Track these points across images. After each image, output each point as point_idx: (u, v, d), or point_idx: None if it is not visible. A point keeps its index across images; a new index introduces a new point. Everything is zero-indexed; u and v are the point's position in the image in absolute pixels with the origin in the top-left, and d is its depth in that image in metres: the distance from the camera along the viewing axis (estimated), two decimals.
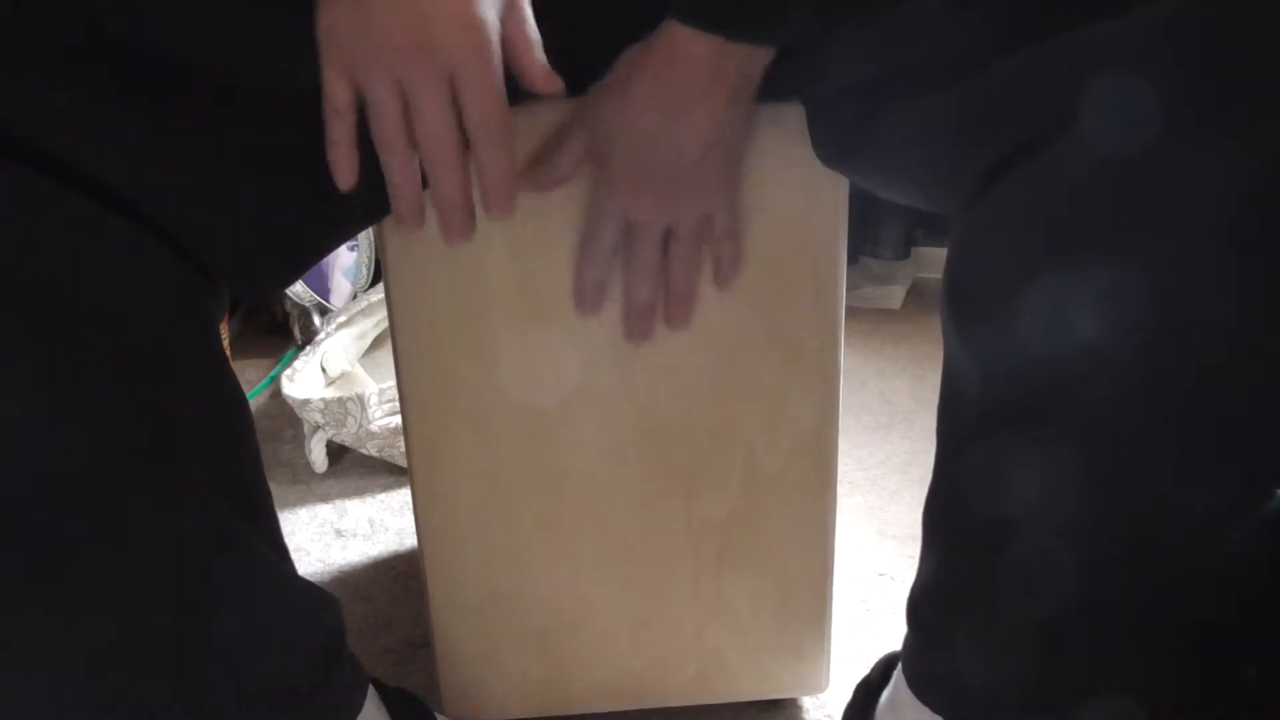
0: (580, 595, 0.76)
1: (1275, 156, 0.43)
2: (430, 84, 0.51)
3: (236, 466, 0.58)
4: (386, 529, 1.11)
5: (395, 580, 1.03)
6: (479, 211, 0.56)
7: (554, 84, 0.54)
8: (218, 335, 0.58)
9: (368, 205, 0.63)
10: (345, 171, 0.54)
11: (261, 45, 0.54)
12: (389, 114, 0.52)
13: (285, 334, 1.52)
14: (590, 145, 0.61)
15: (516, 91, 0.54)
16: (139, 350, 0.50)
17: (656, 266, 0.64)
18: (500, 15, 0.52)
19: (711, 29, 0.53)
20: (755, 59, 0.56)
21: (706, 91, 0.56)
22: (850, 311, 0.69)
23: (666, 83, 0.56)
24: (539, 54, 0.53)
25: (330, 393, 1.21)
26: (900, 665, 0.69)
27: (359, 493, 1.18)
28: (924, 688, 0.66)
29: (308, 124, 0.54)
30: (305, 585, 0.64)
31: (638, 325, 0.66)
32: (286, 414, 1.31)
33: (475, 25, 0.50)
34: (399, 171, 0.54)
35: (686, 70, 0.55)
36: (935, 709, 0.65)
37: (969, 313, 0.57)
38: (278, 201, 0.57)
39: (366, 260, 1.56)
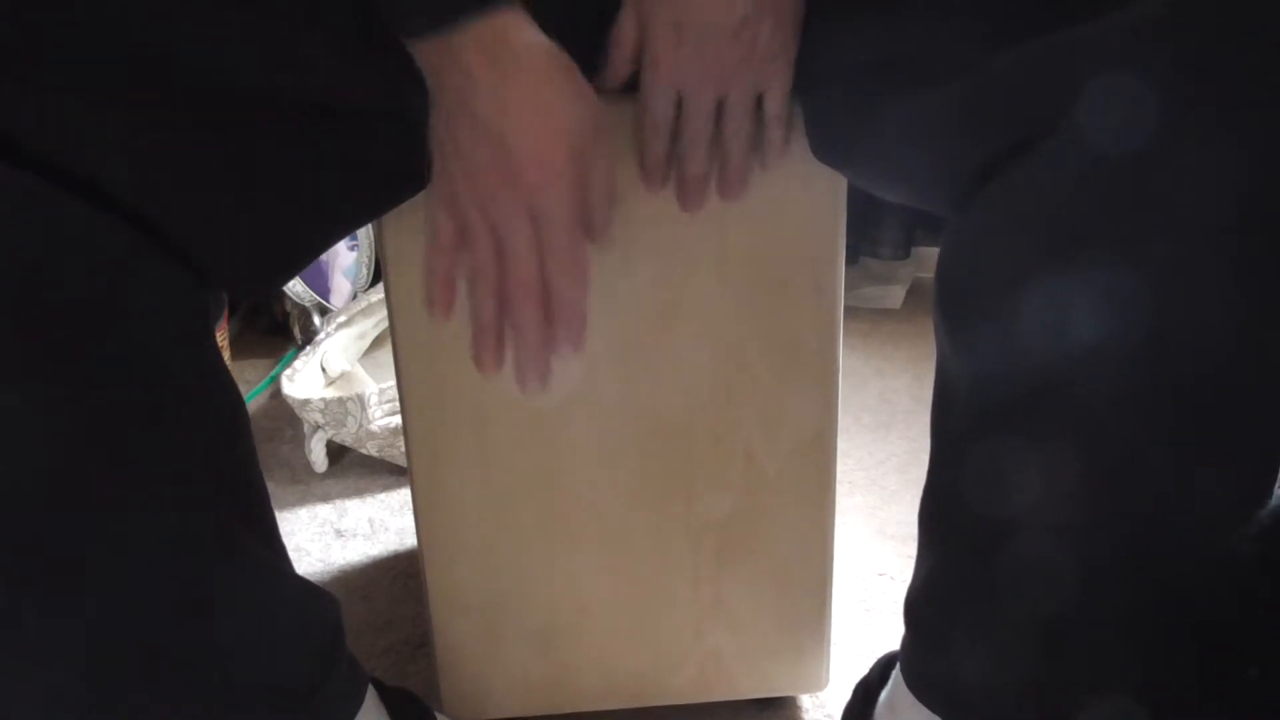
0: (580, 595, 0.76)
1: (1273, 155, 0.43)
2: (512, 220, 0.55)
3: (233, 467, 0.58)
4: (386, 529, 1.11)
5: (395, 580, 1.03)
6: None
7: (606, 238, 0.58)
8: (214, 336, 0.58)
9: (364, 204, 0.63)
10: (444, 307, 0.59)
11: (257, 48, 0.54)
12: (480, 249, 0.56)
13: (285, 334, 1.52)
14: (636, 24, 0.59)
15: None
16: (135, 351, 0.50)
17: (708, 138, 0.62)
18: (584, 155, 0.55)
19: None
20: None
21: None
22: (850, 311, 0.69)
23: None
24: (608, 212, 0.58)
25: (330, 393, 1.21)
26: (899, 665, 0.69)
27: (359, 493, 1.18)
28: (922, 688, 0.66)
29: (303, 124, 0.54)
30: (304, 585, 0.64)
31: (691, 196, 0.65)
32: (286, 414, 1.31)
33: (555, 166, 0.54)
34: (484, 306, 0.58)
35: None
36: (933, 709, 0.65)
37: (962, 312, 0.56)
38: (272, 201, 0.57)
39: (366, 260, 1.56)
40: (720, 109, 0.61)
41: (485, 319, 0.58)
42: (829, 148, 0.63)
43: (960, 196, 0.55)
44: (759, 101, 0.61)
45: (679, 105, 0.60)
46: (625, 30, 0.60)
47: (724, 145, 0.62)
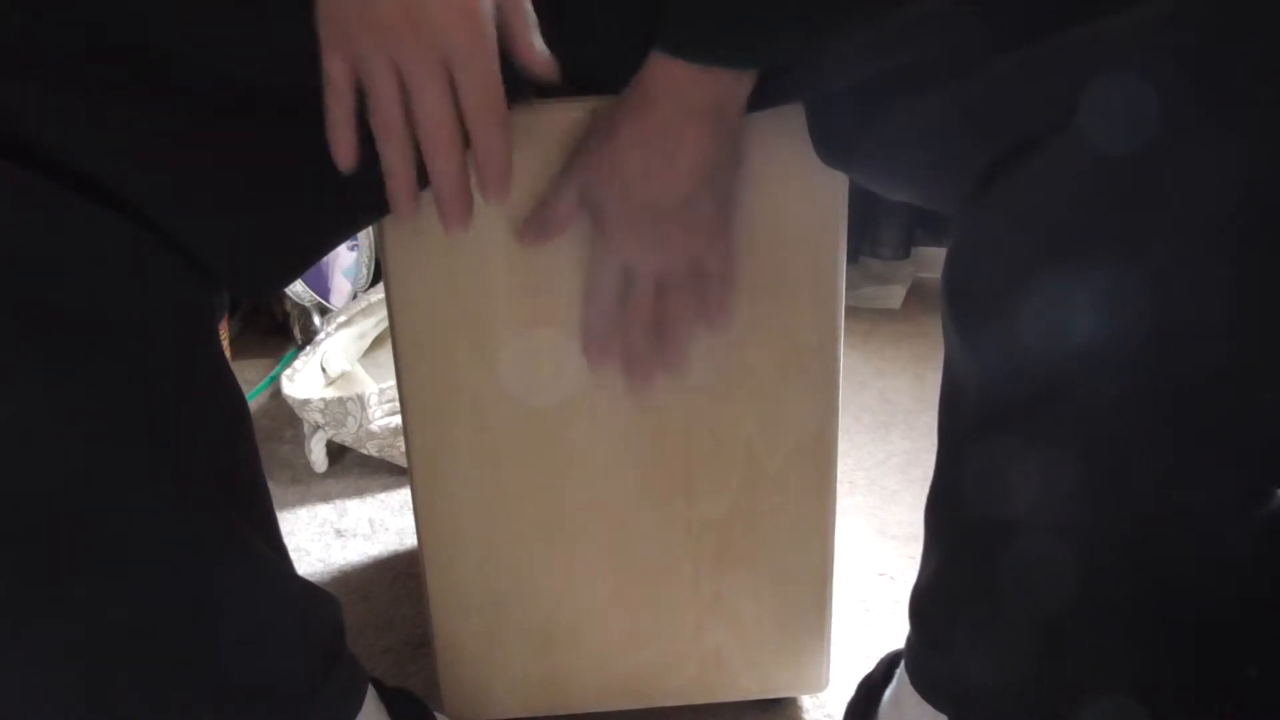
0: (580, 595, 0.76)
1: (1275, 155, 0.43)
2: (426, 67, 0.50)
3: (236, 466, 0.58)
4: (386, 529, 1.11)
5: (395, 580, 1.03)
6: (479, 206, 0.56)
7: (549, 69, 0.54)
8: (217, 335, 0.58)
9: (366, 204, 0.63)
10: (345, 151, 0.53)
11: (260, 46, 0.54)
12: (387, 97, 0.51)
13: (285, 334, 1.52)
14: (582, 191, 0.62)
15: (518, 90, 0.54)
16: (138, 351, 0.50)
17: (650, 310, 0.64)
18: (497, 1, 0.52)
19: (701, 59, 0.54)
20: (738, 91, 0.56)
21: (687, 125, 0.56)
22: (850, 311, 0.70)
23: (648, 119, 0.56)
24: (536, 38, 0.53)
25: (330, 393, 1.21)
26: (903, 663, 0.69)
27: (359, 493, 1.18)
28: (927, 686, 0.66)
29: (306, 124, 0.54)
30: (304, 585, 0.64)
31: (637, 374, 0.67)
32: (286, 414, 1.31)
33: (470, 8, 0.50)
34: (396, 156, 0.53)
35: (666, 105, 0.56)
36: (938, 707, 0.65)
37: (969, 312, 0.57)
38: (276, 201, 0.57)
39: (366, 260, 1.56)
40: (660, 287, 0.63)
41: (397, 167, 0.54)
42: (832, 149, 0.63)
43: (965, 197, 0.55)
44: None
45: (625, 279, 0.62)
46: (564, 199, 0.62)
47: (666, 320, 0.64)
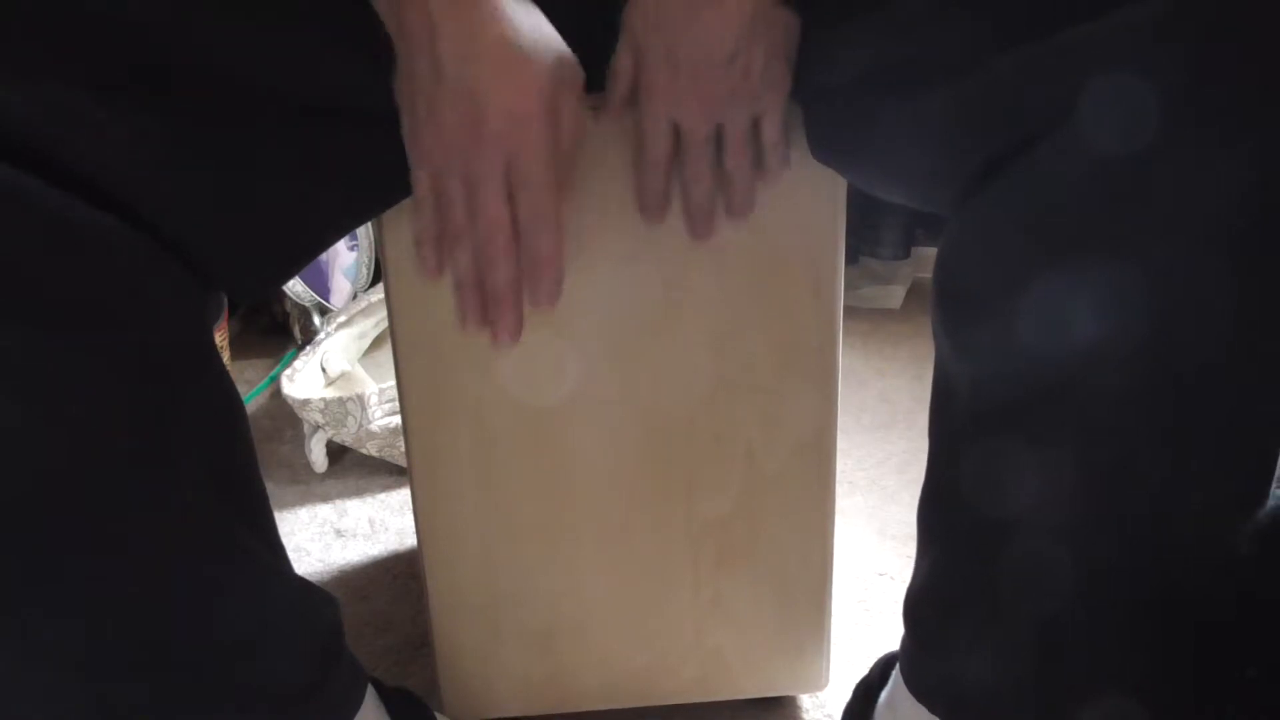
0: (580, 595, 0.76)
1: (1273, 155, 0.43)
2: (485, 177, 0.54)
3: (232, 466, 0.58)
4: (386, 529, 1.11)
5: (395, 580, 1.03)
6: None
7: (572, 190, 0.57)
8: (213, 337, 0.58)
9: (362, 203, 0.63)
10: (432, 267, 0.58)
11: (256, 47, 0.54)
12: (454, 206, 0.55)
13: (285, 334, 1.52)
14: (633, 57, 0.59)
15: None
16: (134, 351, 0.50)
17: (709, 169, 0.62)
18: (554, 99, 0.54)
19: None
20: None
21: None
22: (850, 311, 0.70)
23: None
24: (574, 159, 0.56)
25: (330, 393, 1.21)
26: (898, 665, 0.69)
27: (359, 493, 1.18)
28: (922, 688, 0.66)
29: (302, 121, 0.54)
30: (303, 585, 0.64)
31: (699, 226, 0.65)
32: (286, 414, 1.31)
33: (525, 116, 0.53)
34: (464, 265, 0.57)
35: None
36: (933, 709, 0.65)
37: (961, 313, 0.56)
38: (272, 200, 0.57)
39: (366, 260, 1.56)
40: (719, 139, 0.61)
41: (463, 276, 0.57)
42: (828, 149, 0.63)
43: (961, 197, 0.55)
44: (755, 129, 0.61)
45: (676, 138, 0.60)
46: (622, 63, 0.59)
47: (726, 173, 0.62)
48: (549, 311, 0.58)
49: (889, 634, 0.94)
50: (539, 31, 0.54)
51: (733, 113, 0.59)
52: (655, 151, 0.61)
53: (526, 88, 0.53)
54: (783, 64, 0.59)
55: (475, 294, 0.57)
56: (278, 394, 1.37)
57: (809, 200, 0.66)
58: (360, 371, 1.29)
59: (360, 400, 1.13)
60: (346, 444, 1.18)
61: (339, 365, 1.27)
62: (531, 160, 0.54)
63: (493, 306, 0.57)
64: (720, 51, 0.56)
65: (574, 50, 0.55)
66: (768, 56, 0.58)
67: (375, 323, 1.34)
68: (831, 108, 0.61)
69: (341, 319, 1.32)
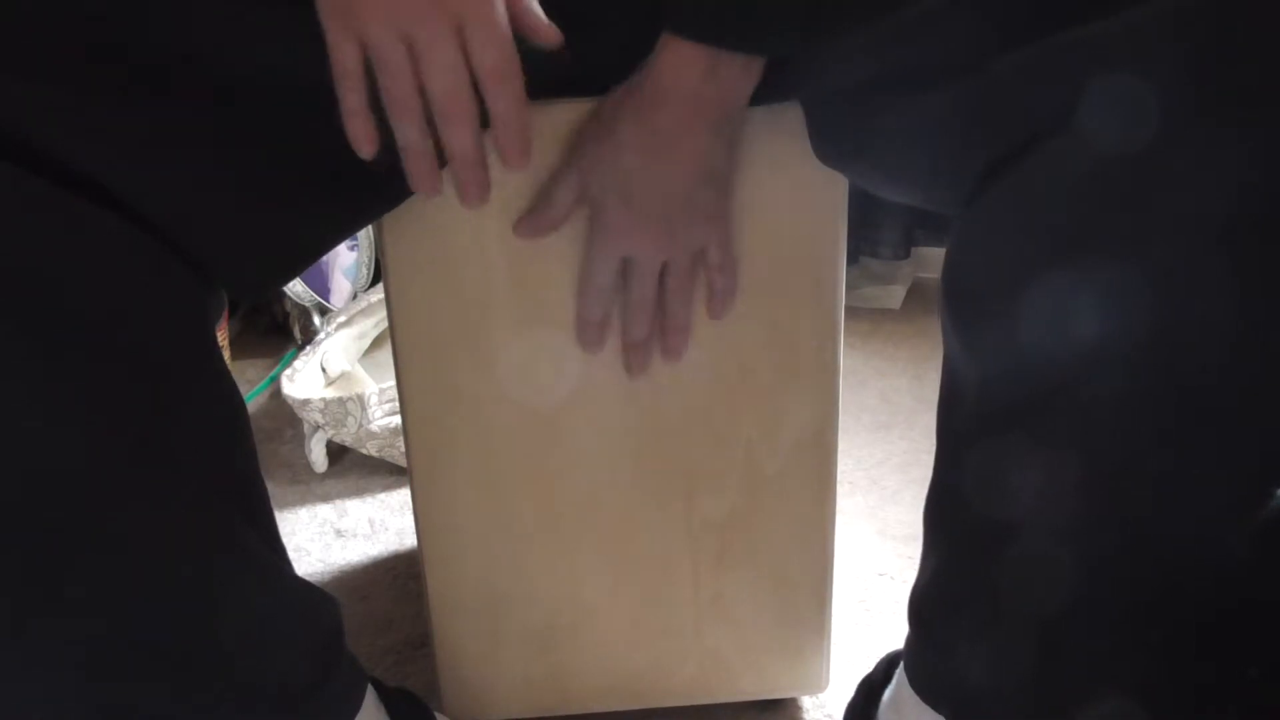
0: (580, 595, 0.76)
1: (1274, 155, 0.43)
2: (439, 33, 0.49)
3: (233, 466, 0.58)
4: (386, 529, 1.11)
5: (395, 580, 1.03)
6: (480, 211, 0.56)
7: (553, 36, 0.52)
8: (215, 336, 0.58)
9: (364, 203, 0.63)
10: (365, 138, 0.52)
11: (258, 43, 0.54)
12: (399, 69, 0.50)
13: (285, 334, 1.52)
14: (581, 189, 0.62)
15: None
16: (135, 350, 0.50)
17: (653, 303, 0.65)
18: None
19: (709, 38, 0.54)
20: (745, 88, 0.57)
21: (691, 130, 0.57)
22: (850, 311, 0.70)
23: (651, 121, 0.57)
24: (535, 5, 0.52)
25: (330, 393, 1.21)
26: (902, 664, 0.69)
27: (359, 493, 1.18)
28: (926, 687, 0.66)
29: (304, 122, 0.54)
30: (303, 585, 0.64)
31: (635, 359, 0.68)
32: (286, 414, 1.31)
33: None
34: (413, 132, 0.52)
35: (671, 110, 0.56)
36: (937, 708, 0.65)
37: (968, 312, 0.57)
38: (274, 200, 0.57)
39: (366, 260, 1.56)
40: (663, 272, 0.63)
41: (413, 141, 0.53)
42: (832, 150, 0.63)
43: (965, 197, 0.55)
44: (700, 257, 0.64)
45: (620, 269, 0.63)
46: (563, 196, 0.62)
47: (667, 306, 0.65)
48: (521, 169, 0.54)
49: (889, 634, 0.94)
50: None
51: (681, 245, 0.62)
52: (603, 279, 0.64)
53: None
54: (727, 199, 0.62)
55: (429, 159, 0.53)
56: (278, 394, 1.37)
57: (810, 201, 0.66)
58: (360, 371, 1.29)
59: (360, 400, 1.13)
60: (346, 444, 1.18)
61: (339, 365, 1.27)
62: (489, 16, 0.50)
63: (461, 168, 0.53)
64: (678, 191, 0.59)
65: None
66: (716, 192, 0.61)
67: (375, 323, 1.34)
68: (835, 109, 0.61)
69: (341, 319, 1.32)
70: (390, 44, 0.50)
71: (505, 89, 0.51)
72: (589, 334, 0.67)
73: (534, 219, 0.64)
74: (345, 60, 0.51)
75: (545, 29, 0.53)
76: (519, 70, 0.52)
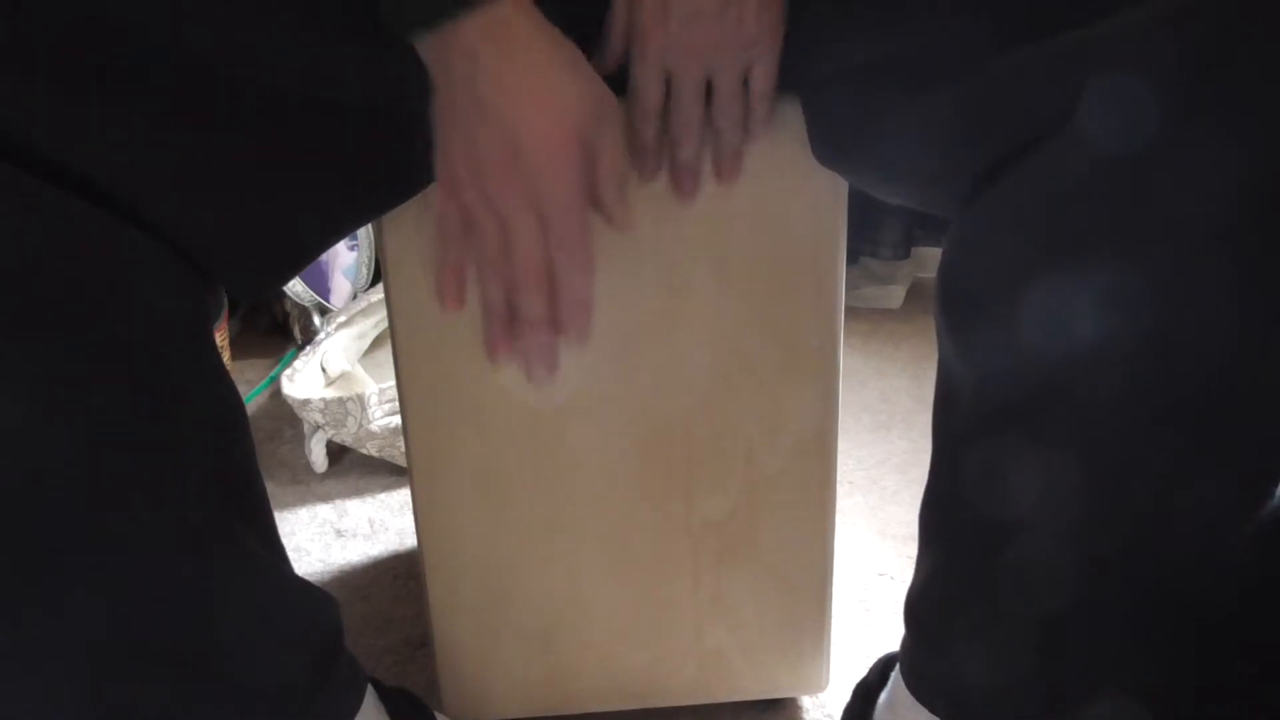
0: (580, 595, 0.76)
1: (1275, 156, 0.43)
2: (518, 210, 0.54)
3: (232, 466, 0.58)
4: (386, 529, 1.11)
5: (395, 580, 1.03)
6: None
7: (626, 223, 0.58)
8: (213, 336, 0.58)
9: (363, 203, 0.63)
10: (450, 295, 0.59)
11: (258, 44, 0.54)
12: (487, 236, 0.56)
13: (285, 334, 1.52)
14: (627, 7, 0.59)
15: None
16: (134, 350, 0.50)
17: (699, 121, 0.62)
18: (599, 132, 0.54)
19: None
20: None
21: None
22: (850, 311, 0.70)
23: None
24: (620, 201, 0.57)
25: (330, 393, 1.21)
26: (898, 666, 0.69)
27: (359, 493, 1.18)
28: (922, 689, 0.66)
29: (304, 121, 0.54)
30: (303, 585, 0.64)
31: (686, 183, 0.64)
32: (286, 414, 1.31)
33: (558, 149, 0.53)
34: (494, 291, 0.58)
35: None
36: (933, 710, 0.65)
37: (965, 314, 0.56)
38: (273, 200, 0.57)
39: (366, 260, 1.56)
40: (708, 91, 0.61)
41: (494, 306, 0.58)
42: (831, 151, 0.63)
43: (964, 198, 0.55)
44: (746, 82, 0.61)
45: (668, 90, 0.60)
46: (618, 11, 0.59)
47: (715, 127, 0.62)
48: (583, 352, 0.59)
49: (889, 634, 0.94)
50: (577, 65, 0.54)
51: (724, 62, 0.59)
52: (647, 101, 0.61)
53: (561, 118, 0.53)
54: (775, 15, 0.59)
55: (505, 322, 0.59)
56: (278, 394, 1.37)
57: (810, 201, 0.66)
58: (360, 371, 1.29)
59: (360, 400, 1.13)
60: (346, 444, 1.18)
61: (339, 365, 1.27)
62: (562, 189, 0.54)
63: (530, 336, 0.58)
64: (712, 4, 0.57)
65: (576, 22, 0.55)
66: (759, 6, 0.58)
67: (375, 323, 1.34)
68: (834, 109, 0.61)
69: (341, 319, 1.32)
70: (482, 213, 0.55)
71: (569, 262, 0.56)
72: (645, 161, 0.64)
73: (603, 52, 0.61)
74: (447, 223, 0.57)
75: (620, 221, 0.58)
76: (584, 249, 0.56)
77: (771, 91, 0.62)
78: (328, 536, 1.10)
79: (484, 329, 0.59)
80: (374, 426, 1.14)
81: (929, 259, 1.64)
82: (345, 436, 1.16)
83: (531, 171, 0.53)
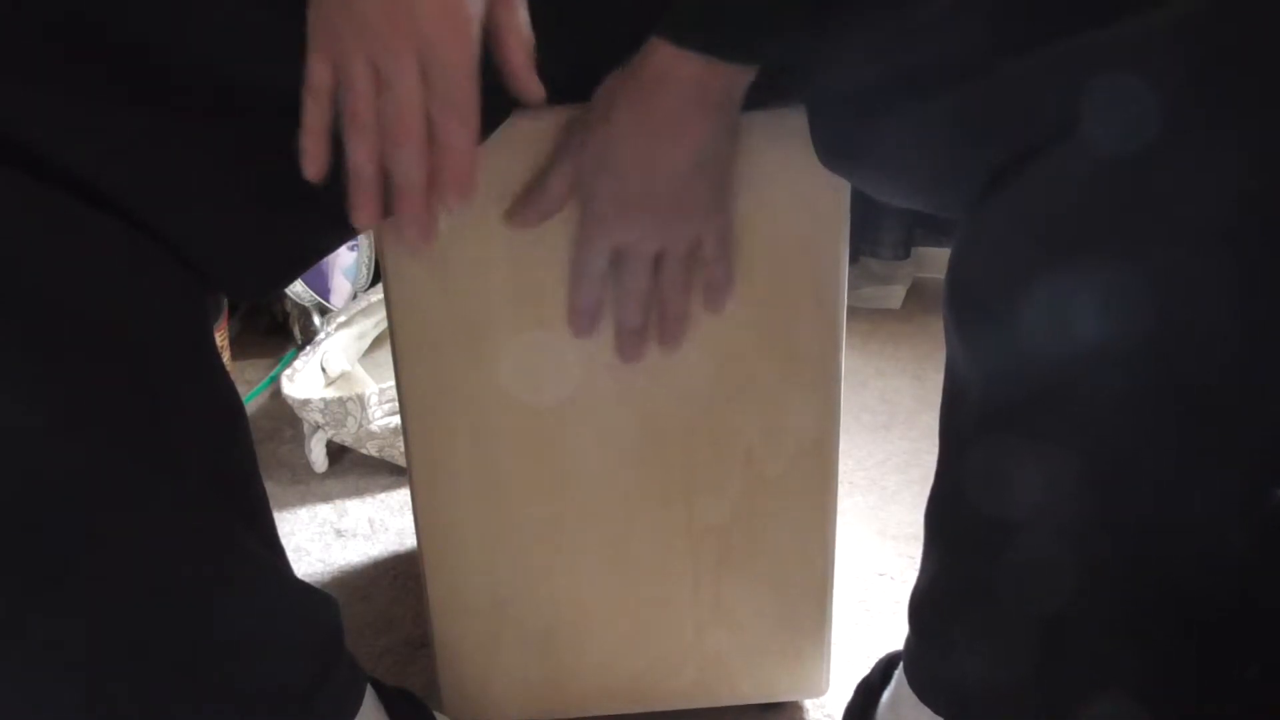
0: (580, 597, 0.76)
1: (1275, 159, 0.43)
2: (400, 60, 0.50)
3: (232, 468, 0.58)
4: (386, 529, 1.11)
5: (395, 580, 1.03)
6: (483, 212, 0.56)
7: (535, 91, 0.53)
8: (212, 337, 0.58)
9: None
10: (315, 159, 0.52)
11: (257, 46, 0.54)
12: (360, 91, 0.50)
13: (285, 334, 1.52)
14: (575, 175, 0.61)
15: (506, 105, 0.54)
16: (133, 352, 0.50)
17: (646, 292, 0.64)
18: (489, 6, 0.51)
19: (705, 50, 0.54)
20: (739, 79, 0.56)
21: (690, 115, 0.56)
22: (850, 311, 0.69)
23: (650, 108, 0.56)
24: (527, 56, 0.52)
25: (330, 393, 1.21)
26: (901, 665, 0.69)
27: (359, 493, 1.18)
28: (925, 688, 0.66)
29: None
30: (302, 586, 0.64)
31: (629, 348, 0.67)
32: (286, 414, 1.31)
33: (455, 9, 0.50)
34: (362, 154, 0.51)
35: (670, 95, 0.55)
36: (936, 709, 0.65)
37: (972, 314, 0.56)
38: (273, 204, 0.57)
39: (366, 260, 1.55)
40: (658, 261, 0.62)
41: (360, 165, 0.52)
42: (835, 155, 0.63)
43: (968, 201, 0.55)
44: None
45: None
46: (556, 184, 0.61)
47: (662, 295, 0.64)
48: (456, 209, 0.52)
49: (889, 635, 0.94)
50: None
51: (675, 237, 0.61)
52: (593, 267, 0.63)
53: None
54: (726, 191, 0.61)
55: (372, 186, 0.52)
56: (278, 394, 1.37)
57: (811, 204, 0.66)
58: (360, 371, 1.29)
59: (360, 400, 1.13)
60: (346, 444, 1.18)
61: (339, 365, 1.27)
62: (453, 50, 0.50)
63: (403, 200, 0.52)
64: (674, 181, 0.58)
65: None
66: (711, 185, 0.60)
67: (375, 323, 1.34)
68: (837, 112, 0.61)
69: (341, 319, 1.32)
70: (358, 68, 0.50)
71: (455, 119, 0.51)
72: (581, 321, 0.66)
73: (526, 208, 0.63)
74: (316, 81, 0.51)
75: (531, 89, 0.53)
76: (473, 105, 0.51)
77: (725, 257, 0.64)
78: (328, 536, 1.10)
79: (350, 191, 0.52)
80: (374, 426, 1.14)
81: (929, 259, 1.64)
82: (345, 436, 1.16)
83: (416, 20, 0.49)
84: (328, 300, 1.48)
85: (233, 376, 0.60)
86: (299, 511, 1.15)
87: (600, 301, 0.65)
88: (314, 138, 0.52)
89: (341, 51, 0.50)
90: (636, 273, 0.63)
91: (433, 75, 0.50)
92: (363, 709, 0.65)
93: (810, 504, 0.74)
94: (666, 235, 0.61)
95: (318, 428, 1.17)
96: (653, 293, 0.64)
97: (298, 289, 1.45)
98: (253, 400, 1.38)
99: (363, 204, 0.52)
